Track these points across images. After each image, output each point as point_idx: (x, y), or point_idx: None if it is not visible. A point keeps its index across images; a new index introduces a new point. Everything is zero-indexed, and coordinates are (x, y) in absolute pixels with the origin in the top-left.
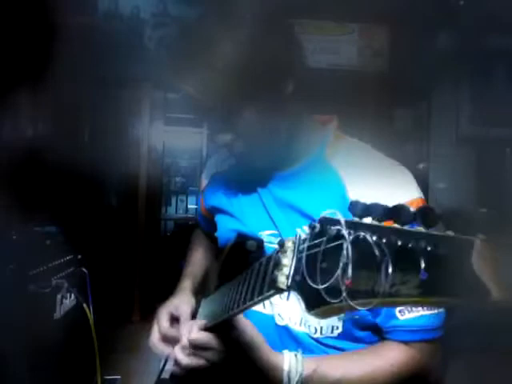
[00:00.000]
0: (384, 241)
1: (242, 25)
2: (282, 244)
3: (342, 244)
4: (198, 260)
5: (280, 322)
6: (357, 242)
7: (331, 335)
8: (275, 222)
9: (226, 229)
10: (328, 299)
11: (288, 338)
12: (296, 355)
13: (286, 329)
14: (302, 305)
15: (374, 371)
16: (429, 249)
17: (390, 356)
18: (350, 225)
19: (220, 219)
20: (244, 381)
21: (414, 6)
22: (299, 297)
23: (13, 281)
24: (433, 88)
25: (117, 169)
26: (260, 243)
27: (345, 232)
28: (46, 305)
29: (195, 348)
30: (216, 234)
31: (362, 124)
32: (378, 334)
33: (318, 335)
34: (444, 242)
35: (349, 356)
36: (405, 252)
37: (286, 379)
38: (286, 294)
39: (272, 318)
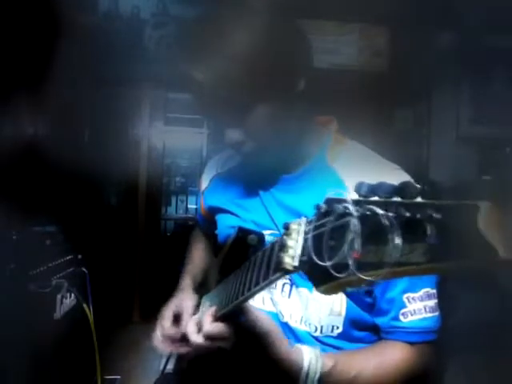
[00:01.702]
0: (391, 213)
1: (257, 16)
2: (287, 227)
3: (349, 221)
4: (197, 259)
5: (281, 320)
6: (364, 217)
7: (331, 334)
8: (276, 224)
9: (225, 226)
10: (335, 274)
11: (290, 336)
12: (315, 352)
13: (287, 326)
14: (310, 283)
15: (384, 370)
16: (435, 216)
17: (398, 355)
18: (357, 202)
19: (220, 218)
20: (256, 373)
21: (413, 7)
22: (307, 276)
23: (13, 281)
24: (433, 88)
25: (117, 169)
26: (261, 237)
27: (351, 207)
28: (46, 305)
29: (210, 339)
30: (216, 232)
31: (362, 124)
32: (377, 334)
33: (318, 334)
34: (450, 209)
35: (362, 354)
36: (412, 222)
37: (303, 376)
38: (279, 284)
39: (276, 315)
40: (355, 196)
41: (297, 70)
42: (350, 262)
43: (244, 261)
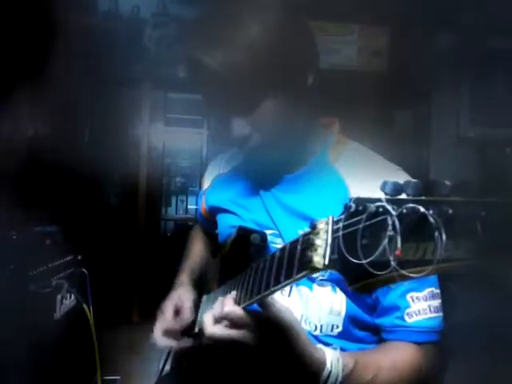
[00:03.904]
0: (431, 211)
1: (271, 10)
2: (313, 226)
3: (384, 219)
4: (196, 255)
5: None
6: (402, 215)
7: (331, 334)
8: (276, 224)
9: (226, 225)
10: (375, 272)
11: None
12: (336, 353)
13: None
14: (344, 280)
15: (398, 370)
16: (483, 213)
17: (408, 355)
18: (392, 201)
19: (221, 217)
20: (274, 370)
21: (414, 7)
22: (340, 274)
23: (13, 281)
24: (433, 88)
25: (117, 169)
26: (263, 236)
27: (388, 206)
28: (46, 305)
29: (229, 322)
30: (216, 231)
31: (362, 125)
32: (378, 334)
33: (317, 333)
34: (495, 206)
35: (377, 354)
36: (457, 219)
37: (325, 376)
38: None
39: None
40: (382, 195)
41: (307, 64)
42: (392, 259)
43: (246, 260)
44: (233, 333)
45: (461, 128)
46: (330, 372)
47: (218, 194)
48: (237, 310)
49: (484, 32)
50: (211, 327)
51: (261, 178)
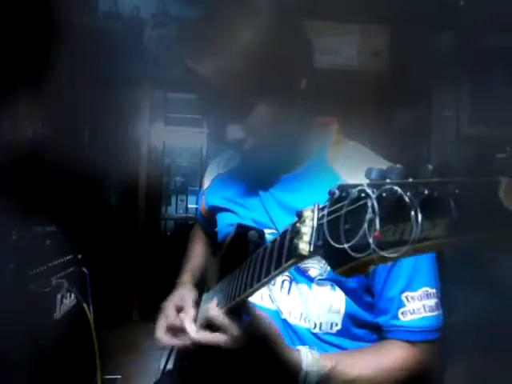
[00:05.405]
0: (409, 193)
1: (261, 15)
2: (300, 215)
3: (365, 203)
4: (197, 255)
5: (280, 317)
6: (381, 198)
7: (330, 331)
8: (275, 223)
9: (225, 224)
10: (354, 255)
11: (290, 333)
12: (312, 353)
13: (286, 323)
14: (327, 266)
15: (384, 370)
16: (456, 191)
17: (398, 355)
18: (372, 185)
19: (221, 216)
20: (255, 374)
21: (414, 6)
22: (324, 260)
23: (13, 281)
24: (433, 88)
25: (117, 169)
26: (261, 233)
27: (368, 190)
28: (46, 305)
29: (211, 327)
30: (216, 230)
31: (361, 124)
32: (377, 332)
33: (317, 330)
34: (469, 185)
35: (361, 355)
36: (431, 198)
37: (302, 378)
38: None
39: (275, 312)
40: (366, 181)
41: (299, 69)
42: (371, 241)
43: (244, 257)
44: (216, 337)
45: (460, 127)
46: (307, 373)
47: (217, 193)
48: (219, 316)
49: (484, 32)
50: (195, 333)
51: (259, 178)
